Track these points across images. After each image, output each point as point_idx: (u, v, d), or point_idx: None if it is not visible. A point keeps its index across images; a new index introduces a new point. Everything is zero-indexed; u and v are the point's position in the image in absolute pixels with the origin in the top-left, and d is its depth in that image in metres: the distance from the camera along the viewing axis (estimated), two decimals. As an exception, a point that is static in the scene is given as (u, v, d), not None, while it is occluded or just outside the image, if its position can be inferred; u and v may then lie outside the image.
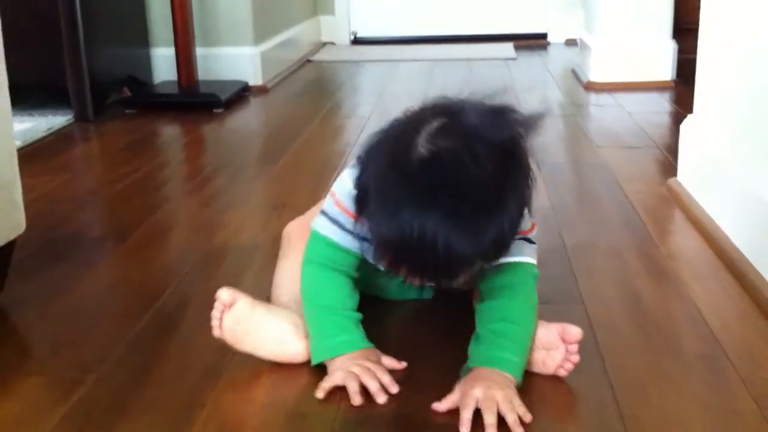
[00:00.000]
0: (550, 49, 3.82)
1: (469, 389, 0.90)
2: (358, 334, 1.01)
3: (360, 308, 1.03)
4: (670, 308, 1.18)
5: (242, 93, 2.76)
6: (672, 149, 1.96)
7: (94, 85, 2.43)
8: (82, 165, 2.09)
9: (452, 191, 0.85)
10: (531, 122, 0.88)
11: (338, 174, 1.15)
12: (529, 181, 0.90)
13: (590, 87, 2.77)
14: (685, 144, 1.64)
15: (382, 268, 1.01)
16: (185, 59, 2.63)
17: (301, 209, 1.28)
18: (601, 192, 1.69)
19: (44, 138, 2.23)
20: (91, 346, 1.10)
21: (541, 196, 1.64)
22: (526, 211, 0.92)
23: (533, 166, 0.90)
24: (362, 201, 0.92)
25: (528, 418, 0.88)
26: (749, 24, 1.34)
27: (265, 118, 2.59)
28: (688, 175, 1.61)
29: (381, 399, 0.93)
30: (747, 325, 1.12)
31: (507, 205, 0.86)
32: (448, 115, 0.88)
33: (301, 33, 3.59)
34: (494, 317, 0.97)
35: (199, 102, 2.59)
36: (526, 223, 0.98)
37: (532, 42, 3.88)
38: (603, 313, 1.15)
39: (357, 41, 4.04)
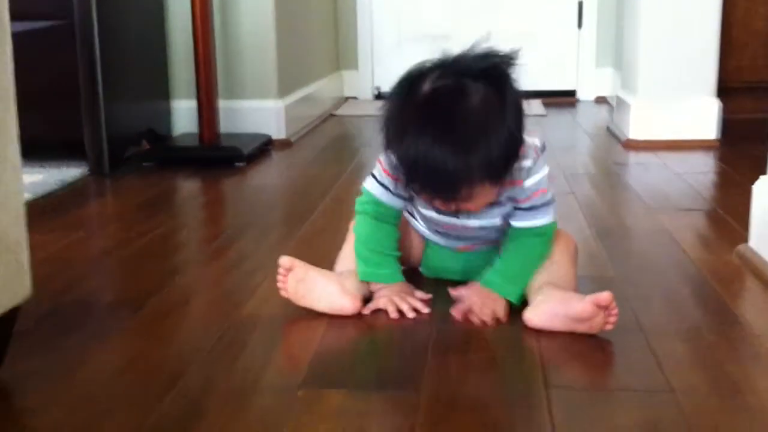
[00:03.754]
0: (579, 106, 3.70)
1: (465, 297, 1.25)
2: (396, 269, 1.31)
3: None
4: (774, 401, 1.01)
5: (265, 147, 2.64)
6: (732, 211, 1.82)
7: (111, 137, 2.31)
8: (95, 222, 1.95)
9: (444, 119, 1.09)
10: (512, 57, 1.14)
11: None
12: (517, 109, 1.13)
13: (630, 145, 2.63)
14: (758, 206, 1.49)
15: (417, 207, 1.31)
16: (208, 112, 2.51)
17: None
18: (668, 262, 1.53)
19: (56, 192, 2.10)
20: (102, 438, 0.94)
21: (604, 265, 1.49)
22: (528, 139, 1.17)
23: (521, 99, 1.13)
24: (385, 137, 1.15)
25: (503, 319, 1.22)
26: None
27: (289, 175, 2.46)
28: (763, 241, 1.45)
29: (411, 314, 1.25)
30: None
31: (492, 129, 1.09)
32: (447, 63, 1.13)
33: (324, 87, 3.48)
34: (507, 252, 1.26)
35: (220, 156, 2.46)
36: (529, 152, 1.19)
37: (560, 99, 3.76)
38: (697, 402, 0.98)
39: (380, 96, 3.94)
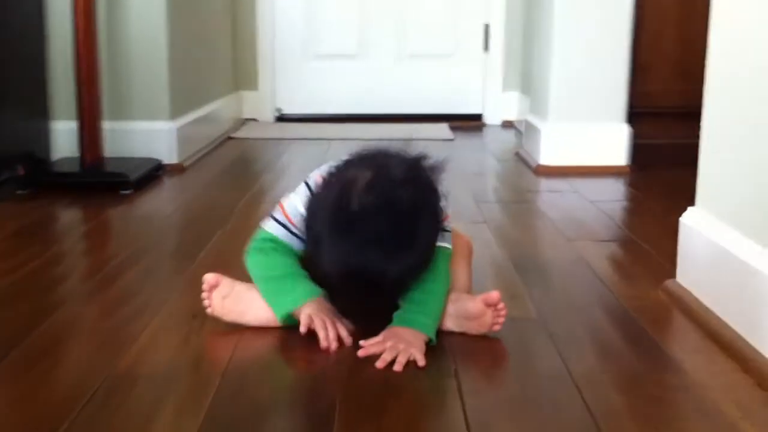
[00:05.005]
0: (486, 130, 3.62)
1: (383, 339, 1.16)
2: (310, 284, 1.24)
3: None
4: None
5: (155, 172, 2.43)
6: (651, 242, 1.74)
7: (-20, 161, 2.07)
8: (-43, 257, 1.72)
9: (375, 236, 1.11)
10: (439, 168, 1.19)
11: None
12: (440, 221, 1.19)
13: (540, 171, 2.55)
14: (686, 240, 1.40)
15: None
16: (91, 134, 2.30)
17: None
18: (592, 300, 1.42)
19: None
20: None
21: (525, 305, 1.37)
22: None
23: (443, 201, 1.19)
24: (313, 244, 1.18)
25: (421, 363, 1.12)
26: (755, 108, 1.13)
27: (182, 203, 2.27)
28: (691, 276, 1.36)
29: (334, 345, 1.18)
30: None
31: (419, 244, 1.14)
32: (374, 170, 1.15)
33: (221, 108, 3.29)
34: (413, 291, 1.21)
35: (104, 182, 2.25)
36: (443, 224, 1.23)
37: (467, 123, 3.68)
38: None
39: (282, 118, 3.77)
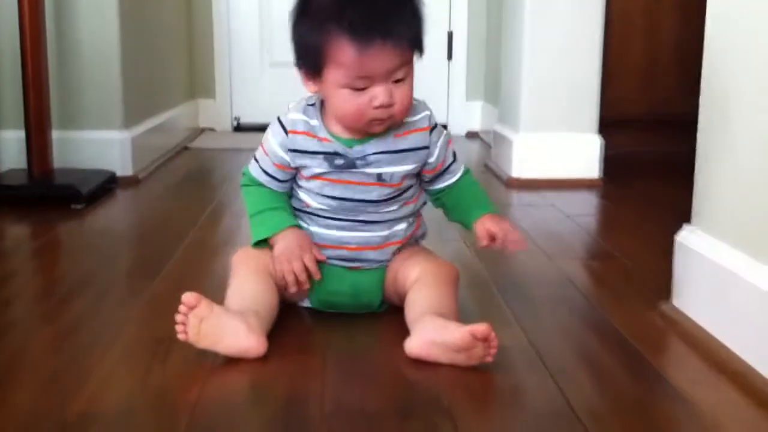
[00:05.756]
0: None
1: (491, 225, 1.28)
2: (288, 215, 1.30)
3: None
4: None
5: (108, 185, 2.30)
6: (634, 259, 1.67)
7: None
8: None
9: None
10: None
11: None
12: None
13: (512, 184, 2.47)
14: (683, 261, 1.32)
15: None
16: (38, 144, 2.16)
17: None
18: (584, 324, 1.33)
19: None
20: None
21: (515, 332, 1.28)
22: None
23: None
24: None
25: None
26: (760, 117, 1.06)
27: (138, 217, 2.14)
28: (690, 300, 1.29)
29: (292, 290, 1.27)
30: None
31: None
32: None
33: (177, 117, 3.16)
34: (464, 193, 1.35)
35: (53, 195, 2.11)
36: (422, 104, 1.30)
37: (430, 133, 3.59)
38: None
39: (240, 128, 3.64)
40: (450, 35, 3.64)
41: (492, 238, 1.28)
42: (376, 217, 1.30)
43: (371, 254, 1.31)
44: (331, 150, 1.25)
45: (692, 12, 2.57)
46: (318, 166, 1.26)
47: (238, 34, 3.62)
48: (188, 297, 1.13)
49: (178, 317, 1.13)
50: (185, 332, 1.13)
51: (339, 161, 1.25)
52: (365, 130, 1.24)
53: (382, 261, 1.32)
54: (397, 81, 1.20)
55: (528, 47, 2.46)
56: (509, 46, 2.65)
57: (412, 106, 1.26)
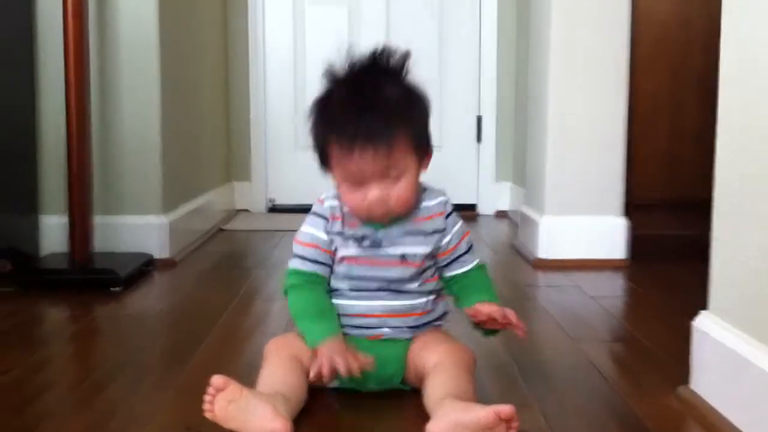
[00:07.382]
0: (480, 221, 3.60)
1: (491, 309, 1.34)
2: (332, 324, 1.35)
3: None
4: None
5: (145, 268, 2.38)
6: (657, 342, 1.69)
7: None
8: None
9: (368, 89, 1.32)
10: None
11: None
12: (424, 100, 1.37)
13: (539, 265, 2.51)
14: (700, 345, 1.35)
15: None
16: (81, 229, 2.26)
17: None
18: (605, 410, 1.34)
19: None
20: None
21: (534, 414, 1.30)
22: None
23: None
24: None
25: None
26: (761, 206, 1.09)
27: (173, 301, 2.20)
28: (707, 385, 1.30)
29: (312, 376, 1.28)
30: None
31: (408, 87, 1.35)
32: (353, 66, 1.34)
33: (213, 200, 3.26)
34: (472, 283, 1.43)
35: (92, 279, 2.19)
36: (437, 192, 1.46)
37: (461, 213, 3.64)
38: None
39: (274, 209, 3.74)
40: (479, 119, 3.73)
41: (486, 317, 1.34)
42: (400, 289, 1.39)
43: (394, 321, 1.39)
44: (359, 234, 1.37)
45: (714, 97, 2.62)
46: (347, 248, 1.37)
47: (273, 119, 3.74)
48: (217, 380, 1.19)
49: (206, 398, 1.19)
50: (212, 411, 1.19)
51: (366, 242, 1.37)
52: (370, 220, 1.36)
53: (403, 328, 1.39)
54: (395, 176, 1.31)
55: (552, 132, 2.53)
56: (534, 131, 2.72)
57: (426, 192, 1.41)
